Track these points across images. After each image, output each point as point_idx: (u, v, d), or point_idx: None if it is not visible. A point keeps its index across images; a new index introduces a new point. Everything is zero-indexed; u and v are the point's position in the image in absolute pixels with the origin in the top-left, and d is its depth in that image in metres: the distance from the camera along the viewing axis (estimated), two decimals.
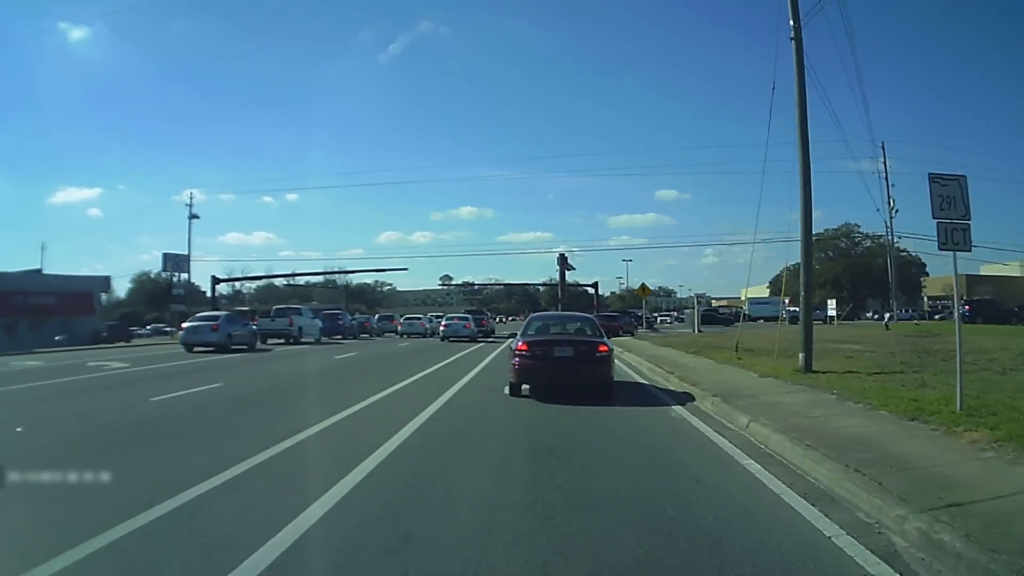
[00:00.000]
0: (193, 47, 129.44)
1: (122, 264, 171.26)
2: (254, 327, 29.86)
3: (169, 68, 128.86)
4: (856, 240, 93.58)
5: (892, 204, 63.28)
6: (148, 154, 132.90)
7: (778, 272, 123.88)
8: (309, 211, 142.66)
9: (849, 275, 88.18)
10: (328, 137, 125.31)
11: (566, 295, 56.61)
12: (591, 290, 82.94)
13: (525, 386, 11.21)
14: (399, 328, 42.32)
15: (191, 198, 71.53)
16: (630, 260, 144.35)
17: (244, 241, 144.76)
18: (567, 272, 55.35)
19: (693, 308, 43.73)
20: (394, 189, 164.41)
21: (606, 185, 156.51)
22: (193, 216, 73.37)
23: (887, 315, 48.47)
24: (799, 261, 17.57)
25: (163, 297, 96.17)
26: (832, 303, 54.22)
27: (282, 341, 32.06)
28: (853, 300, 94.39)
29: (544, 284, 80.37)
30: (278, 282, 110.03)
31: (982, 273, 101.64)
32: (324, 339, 37.67)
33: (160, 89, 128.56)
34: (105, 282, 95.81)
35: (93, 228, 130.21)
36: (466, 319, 35.17)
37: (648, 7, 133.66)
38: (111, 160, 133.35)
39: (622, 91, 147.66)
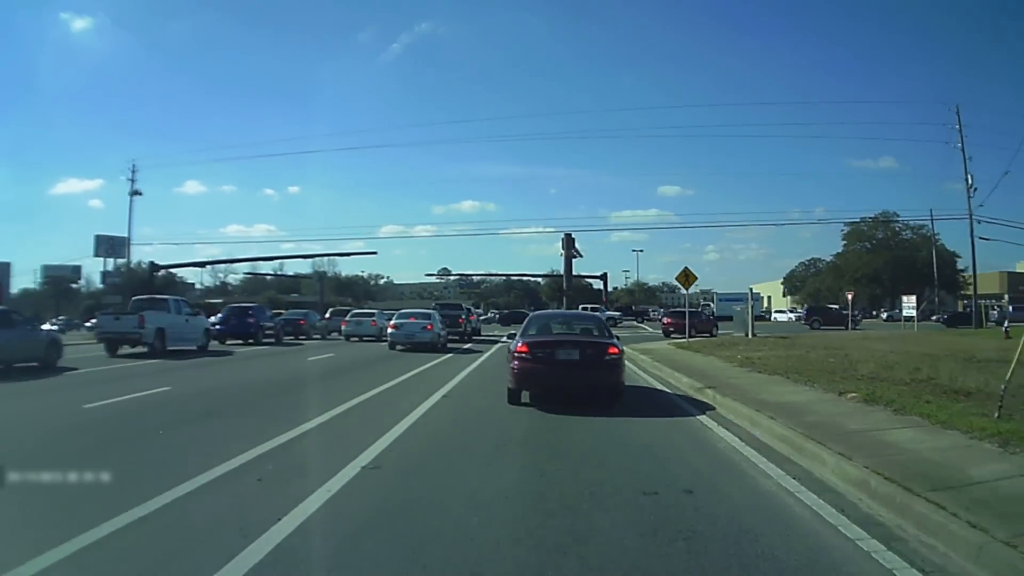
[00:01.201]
0: (195, 39, 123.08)
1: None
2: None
3: (171, 59, 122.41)
4: (896, 230, 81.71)
5: (971, 181, 51.38)
6: (150, 146, 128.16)
7: (792, 268, 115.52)
8: (310, 203, 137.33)
9: (891, 269, 76.17)
10: (330, 130, 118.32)
11: (572, 288, 44.64)
12: (599, 282, 71.32)
13: (525, 393, 9.85)
14: (343, 328, 30.61)
15: (133, 171, 60.17)
16: (641, 251, 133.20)
17: (245, 233, 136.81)
18: (573, 260, 43.52)
19: (746, 306, 31.93)
20: (395, 181, 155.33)
21: (608, 181, 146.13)
22: (135, 192, 62.19)
23: (1006, 320, 35.67)
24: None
25: (137, 286, 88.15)
26: (911, 300, 42.35)
27: (145, 350, 20.38)
28: (891, 296, 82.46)
29: (546, 275, 68.36)
30: (265, 273, 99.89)
31: (1019, 270, 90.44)
32: (228, 344, 26.12)
33: (161, 80, 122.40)
34: (75, 271, 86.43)
35: (94, 219, 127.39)
36: (427, 318, 23.29)
37: (652, 2, 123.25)
38: (112, 151, 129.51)
39: (625, 86, 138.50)
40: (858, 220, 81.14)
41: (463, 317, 28.93)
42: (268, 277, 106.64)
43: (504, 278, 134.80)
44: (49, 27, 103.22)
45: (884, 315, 70.73)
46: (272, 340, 28.51)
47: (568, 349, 9.68)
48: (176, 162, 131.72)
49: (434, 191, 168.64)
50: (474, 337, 32.17)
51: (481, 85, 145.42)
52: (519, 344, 9.75)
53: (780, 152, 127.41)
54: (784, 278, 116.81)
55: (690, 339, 26.43)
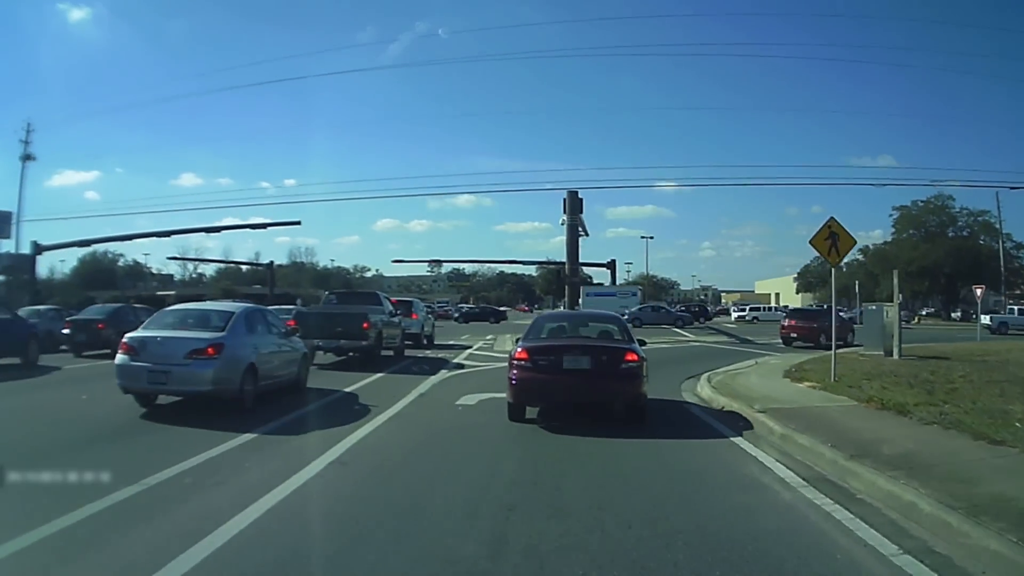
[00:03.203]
0: (193, 30, 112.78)
1: (119, 248, 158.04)
2: None
3: (170, 51, 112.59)
4: (952, 215, 67.32)
5: None
6: (146, 138, 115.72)
7: (806, 263, 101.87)
8: (307, 197, 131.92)
9: (952, 261, 62.01)
10: (328, 125, 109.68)
11: (577, 273, 30.13)
12: (600, 272, 57.32)
13: (529, 409, 8.14)
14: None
15: (28, 131, 46.43)
16: (651, 237, 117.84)
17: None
18: (579, 237, 29.16)
19: (891, 309, 18.10)
20: (392, 176, 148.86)
21: (604, 177, 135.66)
22: (27, 157, 48.41)
23: None
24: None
25: (103, 278, 72.82)
26: None
27: None
28: (947, 293, 68.47)
29: (541, 262, 53.76)
30: (240, 262, 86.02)
31: None
32: None
33: (159, 72, 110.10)
34: (30, 259, 75.32)
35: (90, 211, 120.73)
36: (214, 327, 8.45)
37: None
38: (109, 143, 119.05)
39: (623, 83, 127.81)
40: (906, 204, 67.30)
41: (370, 320, 14.56)
42: (244, 268, 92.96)
43: (497, 273, 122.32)
44: (46, 17, 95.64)
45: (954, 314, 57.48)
46: (19, 360, 14.55)
47: (576, 355, 7.91)
48: (170, 152, 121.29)
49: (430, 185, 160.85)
50: (408, 353, 18.21)
51: (479, 81, 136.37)
52: (518, 350, 8.11)
53: (780, 149, 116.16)
54: (798, 274, 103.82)
55: (800, 351, 12.54)
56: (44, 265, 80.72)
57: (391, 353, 16.49)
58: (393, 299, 20.25)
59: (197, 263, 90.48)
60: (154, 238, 48.81)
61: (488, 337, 26.86)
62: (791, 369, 13.87)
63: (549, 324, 9.61)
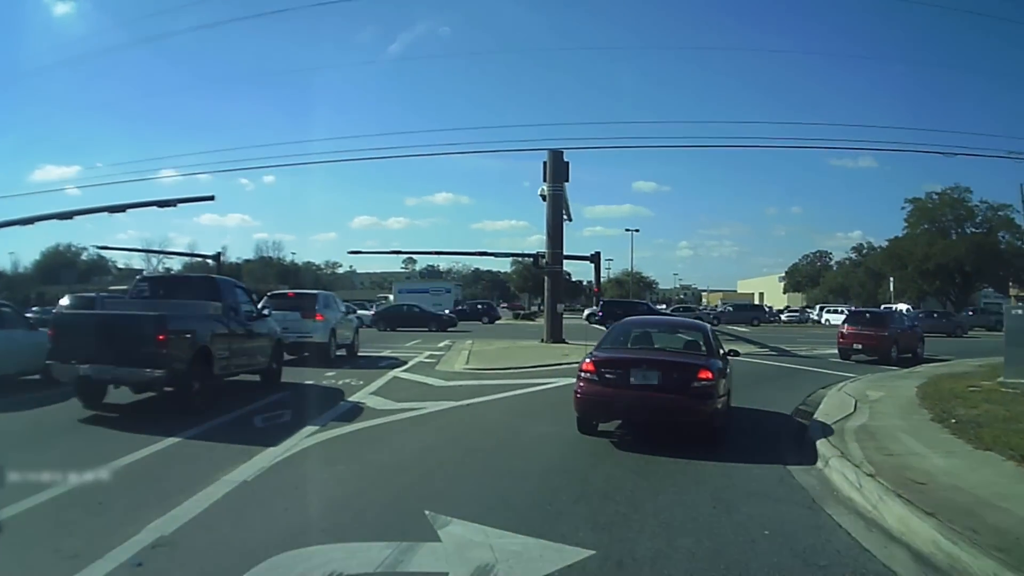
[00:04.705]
0: (180, 24, 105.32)
1: (102, 241, 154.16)
2: None
3: (153, 45, 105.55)
4: (970, 209, 61.63)
5: None
6: (129, 132, 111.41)
7: (795, 261, 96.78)
8: (285, 194, 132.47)
9: (972, 259, 56.82)
10: (316, 121, 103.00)
11: (559, 260, 23.35)
12: (580, 268, 51.14)
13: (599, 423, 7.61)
14: None
15: None
16: (636, 230, 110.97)
17: (219, 223, 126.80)
18: (564, 221, 22.77)
19: None
20: (370, 173, 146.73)
21: (582, 175, 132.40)
22: None
23: None
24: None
25: (66, 272, 69.69)
26: None
27: None
28: (964, 292, 63.04)
29: (516, 254, 46.97)
30: (206, 255, 79.91)
31: None
32: None
33: (144, 65, 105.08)
34: None
35: (77, 205, 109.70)
36: None
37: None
38: (90, 138, 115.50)
39: (609, 81, 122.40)
40: (919, 197, 62.29)
41: (174, 329, 7.43)
42: (210, 262, 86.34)
43: (472, 269, 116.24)
44: (30, 10, 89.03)
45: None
46: None
47: (645, 370, 7.25)
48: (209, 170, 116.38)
49: (407, 182, 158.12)
50: (301, 374, 11.86)
51: (461, 74, 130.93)
52: (585, 360, 7.58)
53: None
54: (786, 273, 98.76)
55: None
56: (6, 259, 74.70)
57: (258, 378, 10.12)
58: (290, 292, 13.94)
59: (162, 257, 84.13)
60: (62, 220, 41.50)
61: (441, 345, 20.54)
62: (945, 417, 7.80)
63: (632, 331, 8.96)
